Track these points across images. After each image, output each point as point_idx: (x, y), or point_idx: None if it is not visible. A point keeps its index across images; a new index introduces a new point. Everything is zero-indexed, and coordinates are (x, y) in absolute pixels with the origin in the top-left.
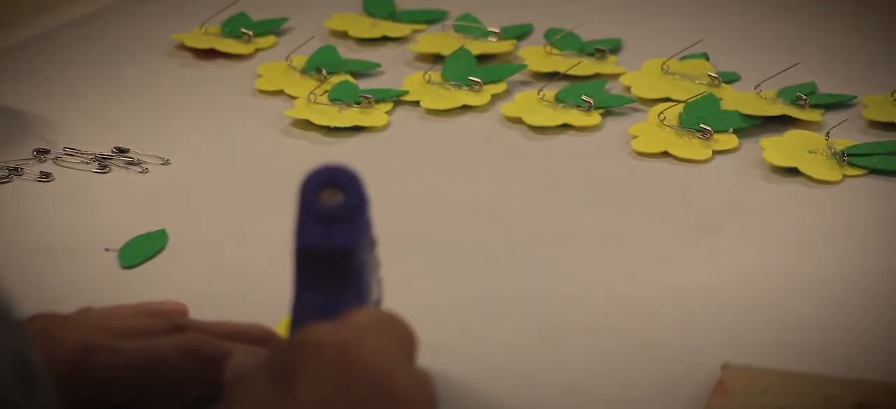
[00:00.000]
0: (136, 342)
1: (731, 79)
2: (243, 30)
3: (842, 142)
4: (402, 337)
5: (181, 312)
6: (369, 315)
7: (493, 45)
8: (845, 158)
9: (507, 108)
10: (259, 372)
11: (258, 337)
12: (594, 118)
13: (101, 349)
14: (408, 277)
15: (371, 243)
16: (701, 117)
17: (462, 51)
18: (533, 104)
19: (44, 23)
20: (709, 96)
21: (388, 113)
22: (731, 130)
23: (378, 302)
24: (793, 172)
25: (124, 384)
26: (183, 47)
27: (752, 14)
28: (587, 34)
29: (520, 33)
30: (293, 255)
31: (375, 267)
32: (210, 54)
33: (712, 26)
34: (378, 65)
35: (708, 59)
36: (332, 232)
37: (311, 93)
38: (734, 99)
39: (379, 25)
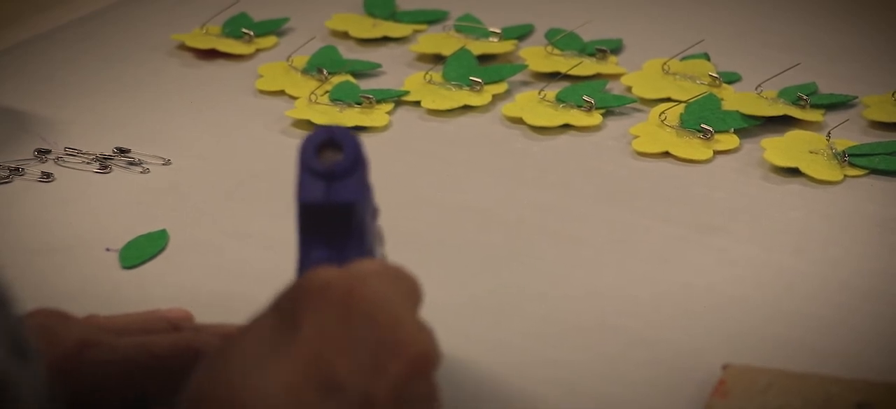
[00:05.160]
0: (133, 338)
1: (731, 79)
2: (244, 30)
3: (843, 142)
4: (407, 287)
5: (186, 319)
6: (375, 264)
7: (493, 46)
8: (846, 159)
9: (508, 108)
10: (264, 314)
11: None
12: (595, 118)
13: (98, 344)
14: None
15: (373, 210)
16: (702, 117)
17: (463, 51)
18: (534, 104)
19: (44, 23)
20: (710, 96)
21: (389, 113)
22: (732, 130)
23: None
24: (794, 172)
25: (121, 380)
26: (184, 47)
27: (753, 14)
28: (588, 34)
29: (521, 33)
30: (296, 213)
31: (380, 240)
32: (211, 54)
33: (713, 26)
34: (379, 65)
35: (709, 59)
36: (333, 187)
37: (312, 93)
38: (735, 99)
39: (380, 26)
